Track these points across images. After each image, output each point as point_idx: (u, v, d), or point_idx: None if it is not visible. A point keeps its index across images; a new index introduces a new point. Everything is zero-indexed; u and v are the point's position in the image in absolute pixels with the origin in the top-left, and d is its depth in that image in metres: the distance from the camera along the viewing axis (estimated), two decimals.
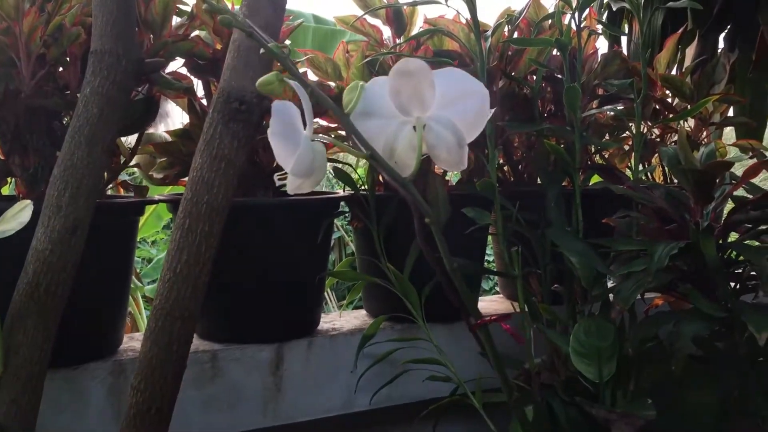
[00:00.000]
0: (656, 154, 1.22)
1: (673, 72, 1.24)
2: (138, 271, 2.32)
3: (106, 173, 0.95)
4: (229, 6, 1.01)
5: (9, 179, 0.96)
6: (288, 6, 0.82)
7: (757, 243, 0.92)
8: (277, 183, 0.58)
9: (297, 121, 0.56)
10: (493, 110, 0.83)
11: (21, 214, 0.70)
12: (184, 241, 0.71)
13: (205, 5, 0.55)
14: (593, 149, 1.23)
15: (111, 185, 1.01)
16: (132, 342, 1.00)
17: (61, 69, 0.93)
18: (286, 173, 0.57)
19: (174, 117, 1.08)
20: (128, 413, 0.70)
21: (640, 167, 1.03)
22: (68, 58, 0.91)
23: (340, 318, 1.16)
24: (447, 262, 0.63)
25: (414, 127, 0.57)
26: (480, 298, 1.28)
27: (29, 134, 0.91)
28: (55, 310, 0.74)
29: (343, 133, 1.09)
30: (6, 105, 0.89)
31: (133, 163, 1.03)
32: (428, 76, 0.55)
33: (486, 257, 1.26)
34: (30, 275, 0.73)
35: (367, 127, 0.57)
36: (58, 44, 0.88)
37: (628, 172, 1.16)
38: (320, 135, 1.06)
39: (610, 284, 0.96)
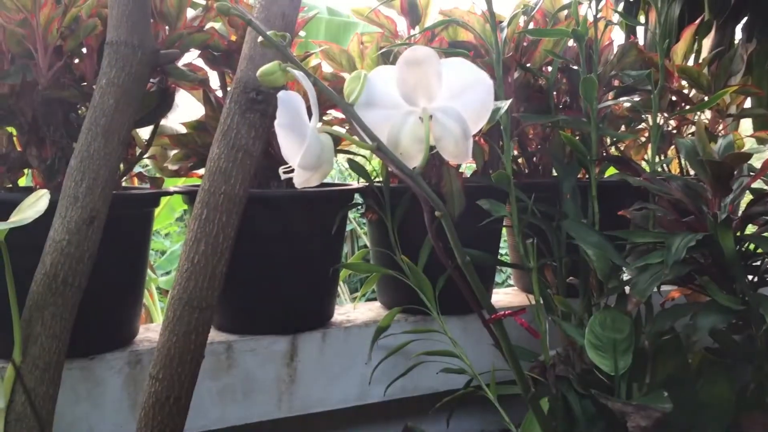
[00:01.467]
0: (672, 146, 1.21)
1: (690, 63, 1.23)
2: (152, 262, 2.33)
3: (122, 164, 0.96)
4: None
5: (26, 170, 0.97)
6: None
7: None
8: (282, 177, 0.57)
9: (303, 113, 0.55)
10: (508, 101, 0.83)
11: (38, 203, 0.70)
12: (202, 231, 0.71)
13: (218, 4, 0.54)
14: (609, 141, 1.22)
15: (126, 177, 1.01)
16: (148, 333, 1.01)
17: (77, 60, 0.93)
18: (290, 168, 0.56)
19: (182, 109, 1.08)
20: (147, 402, 0.71)
21: (657, 159, 1.02)
22: (84, 50, 0.92)
23: (355, 310, 1.16)
24: (459, 255, 0.62)
25: (420, 118, 0.56)
26: (493, 290, 1.28)
27: (46, 126, 0.91)
28: (72, 300, 0.74)
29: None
30: (23, 97, 0.90)
31: (148, 154, 1.03)
32: (436, 66, 0.55)
33: (500, 249, 1.26)
34: (47, 266, 0.73)
35: (371, 117, 0.56)
36: (74, 36, 0.88)
37: (644, 164, 1.15)
38: (335, 127, 1.06)
39: (626, 276, 0.95)
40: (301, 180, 0.55)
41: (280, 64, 0.54)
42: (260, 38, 0.54)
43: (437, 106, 0.56)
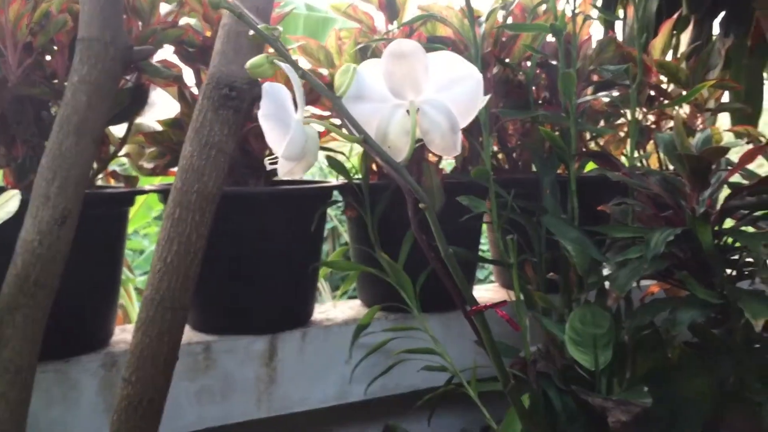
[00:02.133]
0: (651, 141, 1.21)
1: (668, 58, 1.23)
2: (130, 262, 2.31)
3: (95, 163, 0.94)
4: None
5: None
6: None
7: (753, 229, 0.91)
8: (268, 167, 0.56)
9: (288, 104, 0.55)
10: (487, 97, 0.82)
11: (8, 204, 0.68)
12: (174, 230, 0.70)
13: None
14: (588, 136, 1.22)
15: (101, 175, 1.00)
16: (124, 334, 0.99)
17: (48, 57, 0.91)
18: (276, 157, 0.56)
19: (159, 106, 1.06)
20: (119, 405, 0.69)
21: (636, 154, 1.02)
22: (56, 46, 0.90)
23: (335, 308, 1.16)
24: (442, 247, 0.62)
25: (407, 111, 0.56)
26: (475, 287, 1.28)
27: (16, 124, 0.89)
28: (44, 302, 0.73)
29: (335, 122, 1.08)
30: None
31: (122, 153, 1.01)
32: (422, 59, 0.54)
33: (480, 246, 1.26)
34: (19, 267, 0.72)
35: (359, 110, 0.56)
36: (44, 32, 0.86)
37: (624, 159, 1.15)
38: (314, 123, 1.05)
39: (605, 272, 0.95)
40: (284, 170, 0.55)
41: (268, 56, 0.54)
42: (251, 32, 0.53)
43: (424, 99, 0.55)
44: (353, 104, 0.56)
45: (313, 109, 1.08)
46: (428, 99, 0.55)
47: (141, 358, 0.69)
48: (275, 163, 0.56)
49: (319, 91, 0.54)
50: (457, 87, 0.56)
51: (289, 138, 0.53)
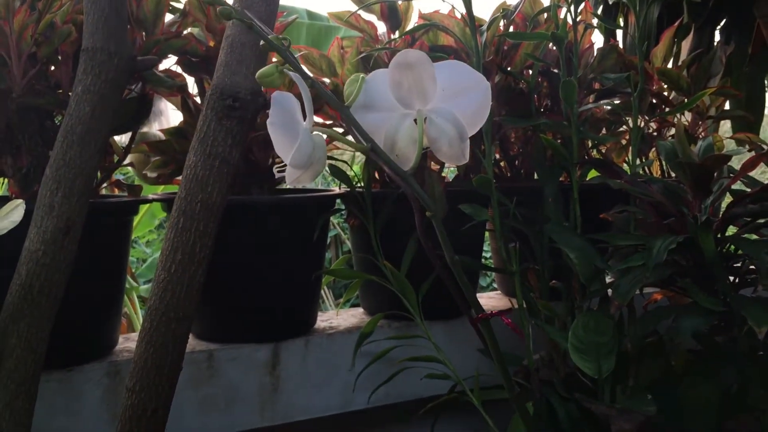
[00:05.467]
0: (653, 149, 1.21)
1: (669, 65, 1.24)
2: (133, 270, 2.31)
3: (99, 172, 0.94)
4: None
5: (1, 179, 0.95)
6: (282, 2, 0.82)
7: (755, 236, 0.91)
8: (276, 175, 0.58)
9: (297, 113, 0.55)
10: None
11: (13, 213, 0.69)
12: (179, 240, 0.70)
13: (220, 9, 0.54)
14: (590, 144, 1.22)
15: (105, 185, 1.00)
16: (127, 343, 0.99)
17: (53, 67, 0.92)
18: (284, 165, 0.56)
19: (168, 115, 1.07)
20: (123, 415, 0.69)
21: (638, 161, 1.02)
22: (60, 57, 0.90)
23: (337, 316, 1.16)
24: (448, 254, 0.62)
25: (415, 120, 0.56)
26: (477, 294, 1.27)
27: (21, 134, 0.90)
28: (48, 311, 0.73)
29: (338, 130, 1.08)
30: None
31: (126, 162, 1.02)
32: (429, 68, 0.55)
33: (483, 253, 1.26)
34: (23, 276, 0.72)
35: (367, 120, 0.57)
36: (49, 42, 0.87)
37: (626, 167, 1.15)
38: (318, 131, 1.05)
39: (608, 279, 0.95)
40: (292, 178, 0.56)
41: (277, 66, 0.54)
42: (261, 42, 0.54)
43: (432, 107, 0.56)
44: (361, 113, 0.57)
45: (315, 118, 1.08)
46: (436, 108, 0.56)
47: (145, 368, 0.69)
48: (283, 170, 0.57)
49: (327, 101, 0.54)
50: (464, 95, 0.57)
51: (297, 146, 0.54)
